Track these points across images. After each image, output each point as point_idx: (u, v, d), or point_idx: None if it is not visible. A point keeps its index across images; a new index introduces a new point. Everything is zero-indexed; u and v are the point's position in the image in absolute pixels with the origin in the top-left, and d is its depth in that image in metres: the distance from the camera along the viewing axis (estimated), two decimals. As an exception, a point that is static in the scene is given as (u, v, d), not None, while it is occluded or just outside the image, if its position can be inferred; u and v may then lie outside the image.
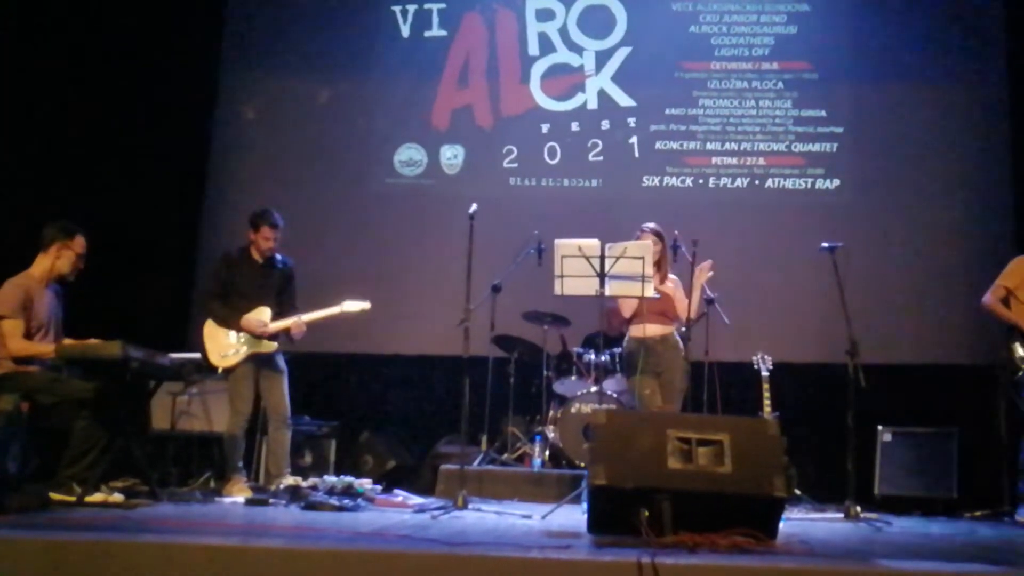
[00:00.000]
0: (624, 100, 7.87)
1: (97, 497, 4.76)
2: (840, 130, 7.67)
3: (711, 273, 5.71)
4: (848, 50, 7.72)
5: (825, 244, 5.68)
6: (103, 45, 7.46)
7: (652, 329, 5.72)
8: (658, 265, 5.76)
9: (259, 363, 5.73)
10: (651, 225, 5.82)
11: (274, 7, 8.17)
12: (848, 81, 7.71)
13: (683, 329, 5.73)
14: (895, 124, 7.62)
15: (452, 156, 7.93)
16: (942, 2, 7.71)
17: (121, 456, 5.04)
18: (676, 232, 5.81)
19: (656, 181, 7.76)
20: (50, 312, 5.19)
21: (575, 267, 5.23)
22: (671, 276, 5.93)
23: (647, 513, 3.68)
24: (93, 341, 4.96)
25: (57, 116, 7.21)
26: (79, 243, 5.26)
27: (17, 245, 5.40)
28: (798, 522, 4.99)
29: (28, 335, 5.03)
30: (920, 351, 7.19)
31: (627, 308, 5.78)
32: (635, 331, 5.80)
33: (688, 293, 5.72)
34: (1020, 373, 5.54)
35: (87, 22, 7.37)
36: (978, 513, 5.84)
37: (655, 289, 5.56)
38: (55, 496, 4.70)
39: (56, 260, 5.21)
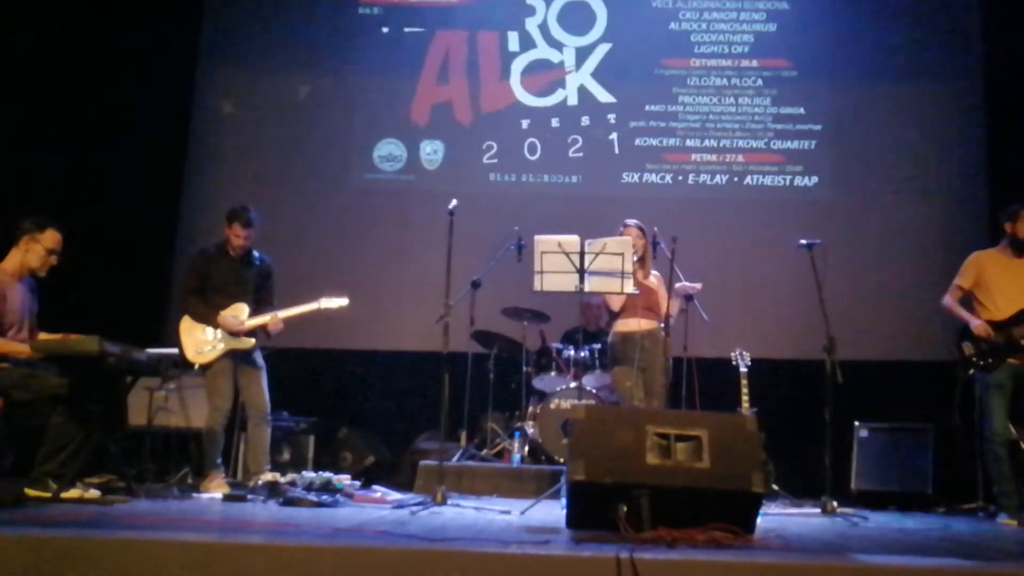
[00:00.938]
0: (604, 96, 7.88)
1: (73, 493, 4.72)
2: (818, 128, 7.73)
3: (697, 286, 5.80)
4: (827, 48, 7.79)
5: (803, 241, 5.70)
6: (80, 39, 7.39)
7: (638, 324, 5.75)
8: (642, 260, 5.79)
9: (237, 359, 5.69)
10: (634, 220, 5.85)
11: (253, 1, 8.12)
12: (827, 79, 7.77)
13: (662, 325, 5.76)
14: (873, 122, 7.69)
15: (432, 152, 7.91)
16: (920, 1, 7.77)
17: (97, 452, 5.00)
18: (655, 229, 5.85)
19: (636, 178, 7.78)
20: (23, 307, 5.10)
21: (555, 263, 5.24)
22: (654, 272, 5.95)
23: (626, 508, 3.68)
24: (71, 336, 4.91)
25: (33, 111, 7.14)
26: (49, 237, 5.10)
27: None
28: (775, 517, 5.01)
29: (1, 331, 4.94)
30: (897, 348, 7.26)
31: (615, 303, 5.81)
32: (620, 326, 5.83)
33: (669, 292, 5.75)
34: (972, 371, 5.53)
35: (63, 15, 7.30)
36: (953, 508, 5.90)
37: (639, 284, 5.57)
38: (30, 492, 4.64)
39: (25, 254, 5.09)
